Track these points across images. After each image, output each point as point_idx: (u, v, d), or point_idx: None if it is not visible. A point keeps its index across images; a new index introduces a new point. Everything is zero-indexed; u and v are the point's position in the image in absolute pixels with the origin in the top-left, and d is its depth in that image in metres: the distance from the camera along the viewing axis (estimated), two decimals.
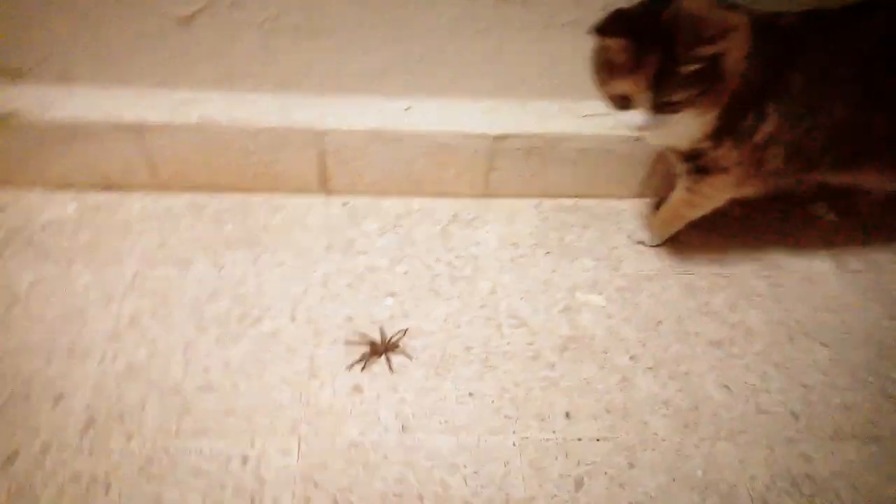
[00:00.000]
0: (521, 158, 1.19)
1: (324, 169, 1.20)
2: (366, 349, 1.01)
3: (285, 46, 1.06)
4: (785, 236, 1.23)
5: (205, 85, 1.12)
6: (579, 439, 0.94)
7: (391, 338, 1.02)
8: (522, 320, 1.07)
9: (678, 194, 1.08)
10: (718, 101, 0.88)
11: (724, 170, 0.97)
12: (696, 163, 0.99)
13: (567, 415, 0.96)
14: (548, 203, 1.26)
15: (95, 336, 1.01)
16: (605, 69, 0.87)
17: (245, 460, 0.89)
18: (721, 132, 0.92)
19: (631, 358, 1.04)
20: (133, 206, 1.20)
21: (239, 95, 1.13)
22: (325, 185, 1.23)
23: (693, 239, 1.20)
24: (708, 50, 0.81)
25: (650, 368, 1.03)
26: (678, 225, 1.14)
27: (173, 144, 1.15)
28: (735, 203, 1.20)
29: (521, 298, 1.10)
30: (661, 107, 0.85)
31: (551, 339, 1.05)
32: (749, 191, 1.02)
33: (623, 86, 0.85)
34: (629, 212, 1.25)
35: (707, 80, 0.84)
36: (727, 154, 0.95)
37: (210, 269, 1.11)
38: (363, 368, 0.99)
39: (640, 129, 0.88)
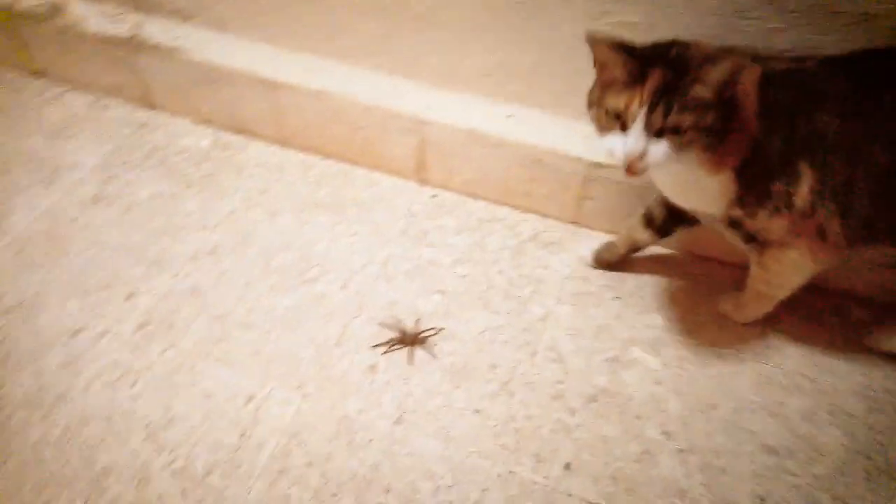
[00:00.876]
0: (616, 192, 1.12)
1: (422, 158, 1.22)
2: (395, 335, 1.02)
3: (406, 33, 1.10)
4: None
5: (332, 56, 1.20)
6: (570, 495, 0.87)
7: (423, 332, 1.02)
8: (560, 356, 1.01)
9: (752, 269, 0.95)
10: (729, 156, 0.78)
11: (783, 243, 0.84)
12: (741, 232, 0.87)
13: (567, 466, 0.90)
14: None
15: (180, 253, 1.13)
16: (599, 85, 0.79)
17: (250, 399, 0.95)
18: (748, 199, 0.81)
19: (664, 433, 0.94)
20: (253, 152, 1.32)
21: (359, 72, 1.19)
22: (420, 174, 1.25)
23: (796, 327, 1.04)
24: (717, 73, 0.71)
25: (681, 451, 0.92)
26: (764, 304, 1.01)
27: (298, 105, 1.25)
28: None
29: (569, 334, 1.04)
30: (660, 131, 0.75)
31: (583, 386, 0.98)
32: (828, 264, 0.87)
33: (618, 101, 0.76)
34: (731, 279, 1.12)
35: (715, 114, 0.74)
36: (769, 225, 0.83)
37: (293, 223, 1.19)
38: (385, 352, 1.00)
39: (630, 155, 0.76)
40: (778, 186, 0.80)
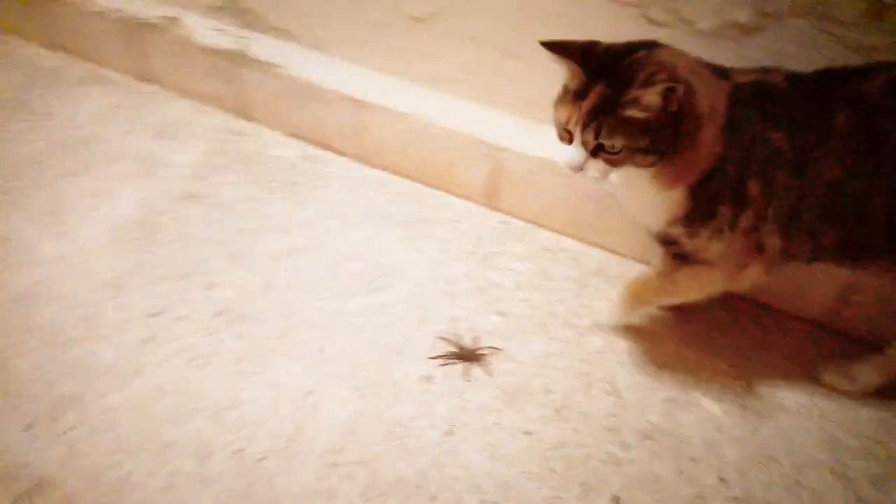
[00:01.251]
0: None
1: (495, 183, 1.26)
2: (454, 349, 1.04)
3: (490, 62, 1.16)
4: None
5: (418, 80, 1.26)
6: None
7: (480, 349, 1.04)
8: (617, 390, 1.01)
9: (650, 274, 0.95)
10: (682, 175, 0.77)
11: (708, 262, 0.84)
12: (673, 249, 0.87)
13: (615, 499, 0.88)
14: None
15: (259, 253, 1.20)
16: (560, 92, 0.80)
17: (309, 393, 0.98)
18: (695, 217, 0.81)
19: (720, 479, 0.91)
20: (336, 167, 1.39)
21: (441, 97, 1.25)
22: (491, 199, 1.29)
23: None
24: (649, 97, 0.71)
25: (736, 499, 0.89)
26: (644, 307, 1.01)
27: (382, 125, 1.31)
28: None
29: (627, 370, 1.04)
30: (595, 149, 0.76)
31: (639, 421, 0.97)
32: (749, 283, 0.87)
33: (564, 114, 0.78)
34: (802, 332, 1.09)
35: (654, 135, 0.73)
36: (706, 246, 0.82)
37: (366, 235, 1.24)
38: (442, 364, 1.02)
39: (571, 167, 0.78)
40: (727, 207, 0.79)
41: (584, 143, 0.77)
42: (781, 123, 0.77)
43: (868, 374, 0.98)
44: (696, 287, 0.90)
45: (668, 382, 1.02)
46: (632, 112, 0.73)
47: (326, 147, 1.42)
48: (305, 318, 1.09)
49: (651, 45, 0.78)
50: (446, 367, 1.02)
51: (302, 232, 1.24)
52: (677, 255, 0.88)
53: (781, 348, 1.06)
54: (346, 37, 1.30)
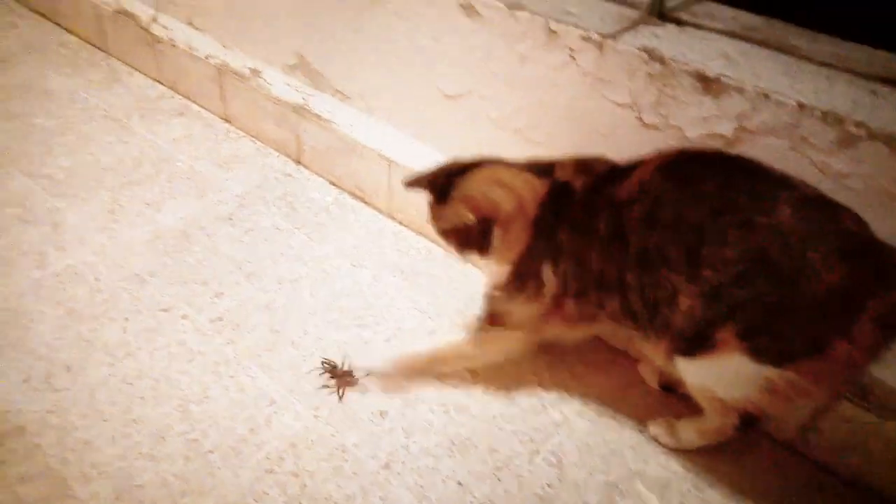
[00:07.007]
0: None
1: None
2: (329, 371, 1.11)
3: (506, 143, 1.26)
4: None
5: (444, 150, 1.38)
6: None
7: (353, 375, 1.10)
8: (561, 463, 1.02)
9: (461, 347, 1.11)
10: (509, 251, 1.00)
11: (514, 327, 1.03)
12: (487, 307, 1.07)
13: None
14: None
15: (270, 275, 1.32)
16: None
17: (271, 403, 1.06)
18: (511, 284, 1.01)
19: None
20: (362, 215, 1.52)
21: None
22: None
23: None
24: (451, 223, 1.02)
25: None
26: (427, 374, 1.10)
27: None
28: None
29: (577, 447, 1.05)
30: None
31: (572, 498, 0.97)
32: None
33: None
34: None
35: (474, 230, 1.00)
36: (514, 311, 1.02)
37: (369, 277, 1.34)
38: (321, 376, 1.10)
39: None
40: (532, 282, 0.98)
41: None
42: (564, 222, 0.95)
43: (690, 434, 1.02)
44: (500, 344, 1.08)
45: (615, 468, 1.02)
46: (449, 222, 1.02)
47: (359, 198, 1.56)
48: (291, 339, 1.18)
49: (469, 168, 1.00)
50: (329, 389, 1.09)
51: (313, 265, 1.35)
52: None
53: (735, 453, 1.04)
54: (392, 105, 1.45)
